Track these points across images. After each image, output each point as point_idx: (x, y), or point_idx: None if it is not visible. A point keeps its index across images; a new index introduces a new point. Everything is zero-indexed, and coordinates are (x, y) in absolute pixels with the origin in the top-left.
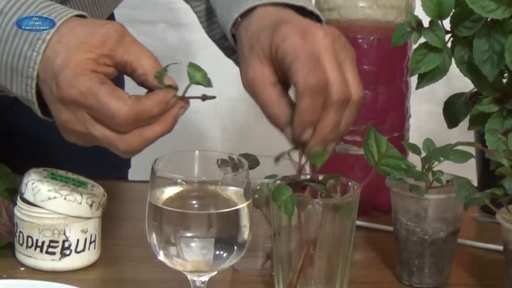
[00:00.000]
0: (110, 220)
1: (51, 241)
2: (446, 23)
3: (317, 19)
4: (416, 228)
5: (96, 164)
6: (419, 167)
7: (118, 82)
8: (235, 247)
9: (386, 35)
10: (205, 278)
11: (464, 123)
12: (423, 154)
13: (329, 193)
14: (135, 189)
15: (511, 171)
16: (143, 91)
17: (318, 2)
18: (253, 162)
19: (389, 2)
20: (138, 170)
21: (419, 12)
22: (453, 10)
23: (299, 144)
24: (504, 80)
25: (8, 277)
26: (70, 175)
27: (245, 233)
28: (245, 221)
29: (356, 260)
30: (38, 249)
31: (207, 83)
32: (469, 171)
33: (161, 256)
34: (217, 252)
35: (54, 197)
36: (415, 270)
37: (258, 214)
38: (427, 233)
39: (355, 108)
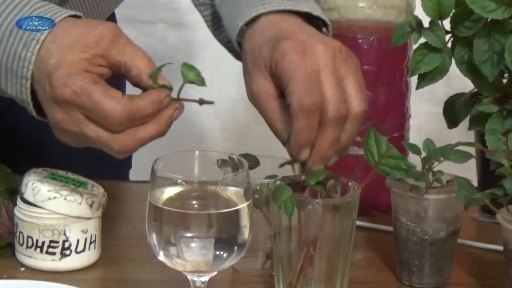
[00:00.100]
0: (110, 220)
1: (51, 241)
2: (446, 23)
3: (323, 23)
4: (416, 228)
5: (96, 164)
6: (419, 167)
7: (119, 82)
8: (235, 247)
9: (386, 35)
10: (205, 278)
11: (464, 123)
12: (423, 154)
13: (329, 193)
14: (135, 189)
15: (511, 171)
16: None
17: (318, 2)
18: (253, 162)
19: (389, 2)
20: (138, 170)
21: (419, 12)
22: (453, 10)
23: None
24: (504, 80)
25: (8, 277)
26: (70, 175)
27: (245, 233)
28: (245, 221)
29: (356, 260)
30: (38, 249)
31: (201, 82)
32: (469, 171)
33: (161, 256)
34: (217, 252)
35: (54, 197)
36: (415, 270)
37: (258, 214)
38: (427, 233)
39: (357, 121)
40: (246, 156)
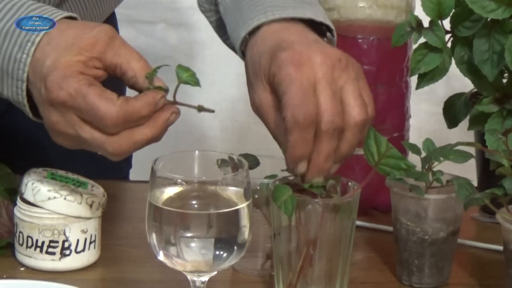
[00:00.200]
0: (110, 220)
1: (51, 241)
2: (446, 23)
3: (328, 28)
4: (416, 228)
5: (96, 164)
6: (419, 167)
7: (119, 84)
8: (235, 247)
9: (386, 35)
10: (205, 278)
11: (464, 123)
12: (423, 154)
13: (329, 193)
14: (135, 189)
15: (511, 171)
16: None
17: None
18: (253, 162)
19: (389, 2)
20: (138, 170)
21: (419, 12)
22: (453, 10)
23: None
24: (504, 80)
25: (8, 277)
26: (70, 175)
27: (245, 233)
28: (245, 221)
29: (356, 260)
30: (38, 249)
31: (195, 82)
32: (469, 171)
33: (161, 256)
34: (217, 252)
35: (54, 197)
36: (415, 270)
37: (258, 214)
38: (427, 233)
39: (358, 130)
40: (246, 156)
